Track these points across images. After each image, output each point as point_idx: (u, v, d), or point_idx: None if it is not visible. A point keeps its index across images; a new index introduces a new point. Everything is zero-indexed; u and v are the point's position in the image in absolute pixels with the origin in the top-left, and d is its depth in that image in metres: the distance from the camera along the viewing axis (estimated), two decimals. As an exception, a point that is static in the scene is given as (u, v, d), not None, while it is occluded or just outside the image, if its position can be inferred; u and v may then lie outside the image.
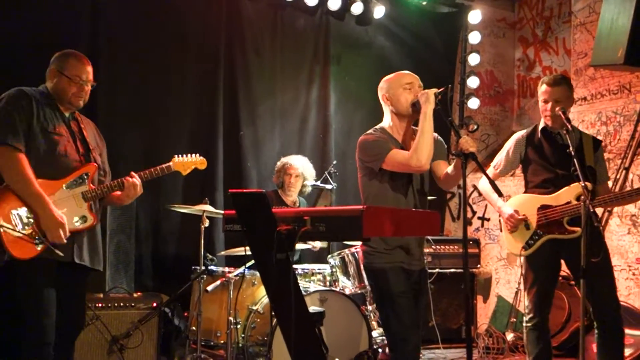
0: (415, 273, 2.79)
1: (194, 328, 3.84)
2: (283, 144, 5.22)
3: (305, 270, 4.08)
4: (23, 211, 2.65)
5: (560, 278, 3.63)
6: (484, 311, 5.57)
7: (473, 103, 5.78)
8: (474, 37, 5.74)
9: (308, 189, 4.74)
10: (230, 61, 5.01)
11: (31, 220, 2.65)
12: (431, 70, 5.70)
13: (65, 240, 2.69)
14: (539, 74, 5.88)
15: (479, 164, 2.57)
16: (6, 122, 2.67)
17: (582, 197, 3.02)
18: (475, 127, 5.84)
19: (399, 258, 2.74)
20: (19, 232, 2.59)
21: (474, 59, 5.76)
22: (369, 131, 2.90)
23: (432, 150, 2.69)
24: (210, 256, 3.99)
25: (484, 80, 5.97)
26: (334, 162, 5.10)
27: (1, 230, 2.57)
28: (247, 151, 5.06)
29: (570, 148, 3.07)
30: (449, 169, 2.79)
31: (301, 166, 4.62)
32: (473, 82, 5.77)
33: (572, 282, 4.52)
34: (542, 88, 3.41)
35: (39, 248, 2.64)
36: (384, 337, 4.09)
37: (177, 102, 4.81)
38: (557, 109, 3.32)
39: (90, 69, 2.91)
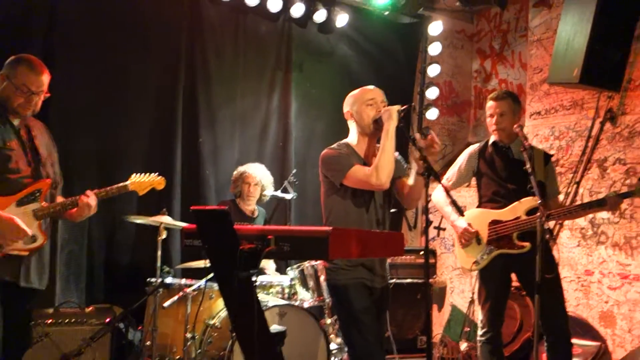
0: (378, 290, 2.79)
1: (148, 343, 3.73)
2: (242, 151, 5.14)
3: (264, 283, 4.03)
4: None
5: (512, 288, 3.71)
6: (438, 320, 5.64)
7: (432, 114, 5.85)
8: (434, 48, 5.82)
9: (266, 198, 4.69)
10: (190, 64, 4.91)
11: None
12: (392, 79, 5.73)
13: (28, 233, 2.59)
14: (495, 87, 6.01)
15: (434, 173, 2.57)
16: None
17: (539, 213, 3.10)
18: (433, 137, 5.93)
19: (361, 275, 2.74)
20: None
21: (433, 70, 5.83)
22: (332, 145, 2.89)
23: (392, 168, 2.69)
24: (167, 268, 3.88)
25: (442, 90, 6.05)
26: (294, 171, 5.06)
27: None
28: (205, 158, 4.96)
29: (527, 165, 3.15)
30: (410, 180, 2.80)
31: (259, 174, 4.56)
32: (432, 92, 5.84)
33: (524, 293, 4.63)
34: (488, 103, 3.53)
35: None
36: (341, 348, 4.09)
37: (136, 105, 4.68)
38: (515, 125, 3.41)
39: (44, 78, 2.75)
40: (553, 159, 3.71)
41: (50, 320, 3.51)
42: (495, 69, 6.03)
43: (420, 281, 5.15)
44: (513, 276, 3.58)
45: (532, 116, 4.99)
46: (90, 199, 2.82)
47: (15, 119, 2.74)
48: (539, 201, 3.08)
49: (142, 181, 3.14)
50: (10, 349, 2.70)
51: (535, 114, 4.97)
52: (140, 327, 4.08)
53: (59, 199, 2.88)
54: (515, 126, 3.39)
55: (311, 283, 4.03)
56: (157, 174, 3.24)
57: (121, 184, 3.03)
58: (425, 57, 5.93)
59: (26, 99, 2.69)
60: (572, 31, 3.61)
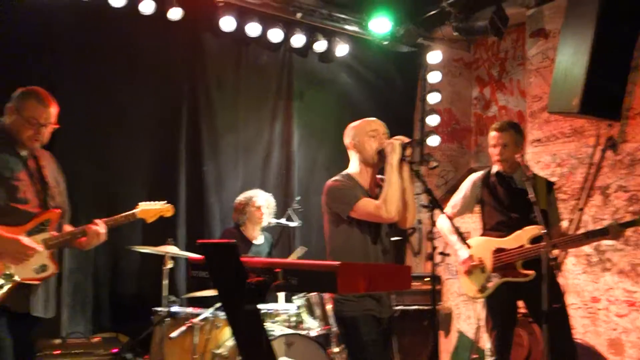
0: (385, 320, 2.81)
1: (154, 373, 3.73)
2: (246, 179, 5.19)
3: (270, 311, 4.03)
4: None
5: (519, 315, 3.72)
6: (445, 346, 5.62)
7: (433, 140, 5.91)
8: (434, 77, 5.90)
9: (271, 224, 4.72)
10: (193, 96, 4.98)
11: None
12: (392, 107, 5.81)
13: (37, 250, 2.62)
14: (495, 113, 6.08)
15: (438, 204, 2.59)
16: None
17: (544, 242, 3.12)
18: (435, 164, 5.99)
19: (369, 306, 2.75)
20: None
21: (433, 98, 5.91)
22: (335, 177, 2.93)
23: (400, 200, 2.73)
24: (173, 298, 3.89)
25: (442, 117, 6.12)
26: (298, 198, 5.11)
27: None
28: (209, 186, 5.00)
29: (531, 195, 3.19)
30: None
31: (266, 199, 4.60)
32: (433, 120, 5.91)
33: (531, 320, 4.63)
34: (491, 133, 3.58)
35: None
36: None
37: (138, 136, 4.73)
38: (517, 155, 3.46)
39: (52, 110, 2.81)
40: (556, 185, 3.75)
41: (58, 351, 3.52)
42: (495, 96, 6.11)
43: (426, 308, 5.15)
44: (520, 303, 3.59)
45: (533, 143, 5.05)
46: (100, 227, 2.86)
47: (23, 150, 2.78)
48: (544, 231, 3.11)
49: (150, 209, 3.17)
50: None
51: (536, 141, 5.03)
52: (146, 357, 4.07)
53: (67, 227, 2.91)
54: (517, 156, 3.44)
55: (318, 311, 4.04)
56: (165, 202, 3.27)
57: (129, 212, 3.07)
58: (425, 85, 6.02)
59: (35, 131, 2.74)
60: (570, 62, 3.69)
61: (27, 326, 2.76)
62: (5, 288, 2.57)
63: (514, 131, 3.55)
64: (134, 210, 3.10)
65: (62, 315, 4.03)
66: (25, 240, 2.62)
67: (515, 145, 3.53)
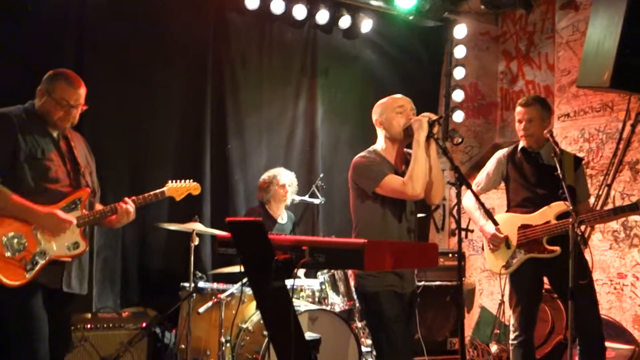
0: (407, 296, 2.82)
1: (183, 346, 3.81)
2: (270, 157, 5.21)
3: (294, 287, 4.08)
4: (14, 237, 2.61)
5: (543, 291, 3.70)
6: (467, 322, 5.63)
7: (458, 116, 5.84)
8: (459, 51, 5.81)
9: (295, 201, 4.75)
10: (217, 74, 4.99)
11: (23, 247, 2.61)
12: (417, 83, 5.75)
13: (73, 223, 2.70)
14: (521, 88, 5.98)
15: (465, 181, 2.57)
16: None
17: (571, 219, 3.09)
18: (460, 140, 5.88)
19: (391, 281, 2.76)
20: (7, 258, 2.56)
21: (459, 73, 5.83)
22: (362, 153, 2.92)
23: (426, 177, 2.72)
24: (200, 274, 3.96)
25: (467, 92, 6.04)
26: (321, 175, 5.12)
27: None
28: (234, 164, 5.04)
29: (559, 171, 3.15)
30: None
31: (290, 177, 4.62)
32: (458, 95, 5.83)
33: (555, 295, 4.60)
34: (517, 109, 3.53)
35: (29, 275, 2.61)
36: (372, 351, 4.13)
37: (164, 115, 4.77)
38: (545, 131, 3.40)
39: (82, 91, 2.85)
40: (583, 161, 3.69)
41: (89, 325, 3.62)
42: (522, 70, 5.99)
43: (449, 283, 5.16)
44: (544, 279, 3.57)
45: (560, 118, 4.96)
46: (129, 205, 2.91)
47: (55, 130, 2.84)
48: (571, 207, 3.08)
49: (178, 187, 3.22)
50: (52, 352, 2.78)
51: (563, 116, 4.94)
52: (174, 331, 4.17)
53: (98, 206, 2.97)
54: (545, 132, 3.38)
55: (342, 287, 4.08)
56: (192, 180, 3.31)
57: (158, 190, 3.11)
58: (451, 59, 5.93)
59: (65, 112, 2.79)
60: (602, 35, 3.59)
61: (62, 302, 2.83)
62: (39, 265, 2.64)
63: (540, 106, 3.49)
64: (162, 189, 3.14)
65: (92, 290, 4.13)
66: (61, 213, 2.68)
67: (542, 121, 3.47)
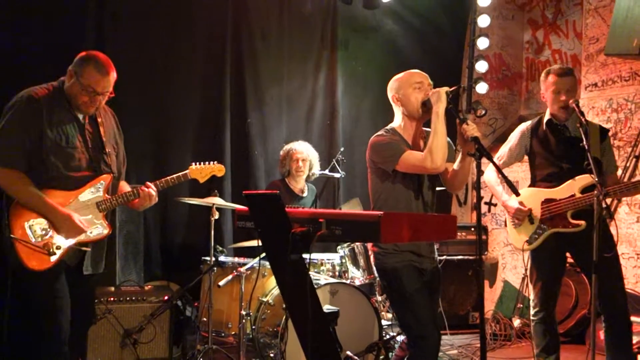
0: (428, 272, 2.79)
1: (204, 319, 3.86)
2: (290, 131, 5.18)
3: (315, 261, 4.09)
4: (37, 223, 2.64)
5: (567, 265, 3.64)
6: (490, 296, 5.60)
7: (481, 88, 5.70)
8: (483, 21, 5.64)
9: (315, 175, 4.72)
10: (236, 47, 4.95)
11: (46, 232, 2.65)
12: (440, 54, 5.64)
13: (85, 230, 2.70)
14: (547, 57, 5.81)
15: (486, 152, 2.52)
16: (9, 143, 2.61)
17: (596, 191, 3.00)
18: (484, 112, 5.71)
19: (409, 257, 2.74)
20: (32, 244, 2.59)
21: (482, 43, 5.66)
22: (379, 132, 2.86)
23: (446, 150, 2.66)
24: (220, 248, 3.99)
25: (492, 63, 5.90)
26: (342, 149, 5.07)
27: (15, 243, 2.57)
28: (254, 139, 5.03)
29: (584, 142, 3.05)
30: (455, 164, 2.77)
31: (306, 149, 4.56)
32: (481, 66, 5.68)
33: (579, 270, 4.54)
34: (552, 79, 3.37)
35: (53, 259, 2.64)
36: (392, 325, 4.13)
37: (184, 90, 4.77)
38: (570, 101, 3.29)
39: (110, 78, 2.76)
40: (611, 132, 3.58)
41: (112, 298, 3.68)
42: (548, 39, 5.82)
43: (471, 257, 5.11)
44: (567, 254, 3.50)
45: (587, 88, 4.82)
46: (152, 189, 2.91)
47: (81, 113, 2.80)
48: (596, 179, 2.99)
49: (202, 168, 3.21)
50: (76, 325, 2.83)
51: (591, 86, 4.80)
52: (196, 304, 4.22)
53: (123, 187, 2.97)
54: (571, 101, 3.28)
55: (362, 261, 4.07)
56: (215, 162, 3.29)
57: (181, 173, 3.09)
58: (474, 29, 5.76)
59: (91, 98, 2.73)
60: (632, 0, 3.44)
61: (84, 278, 2.86)
62: (62, 250, 2.67)
63: (574, 76, 3.38)
64: (185, 171, 3.13)
65: (115, 265, 4.19)
66: (76, 217, 2.68)
67: (575, 92, 3.37)
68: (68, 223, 2.67)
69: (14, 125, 2.63)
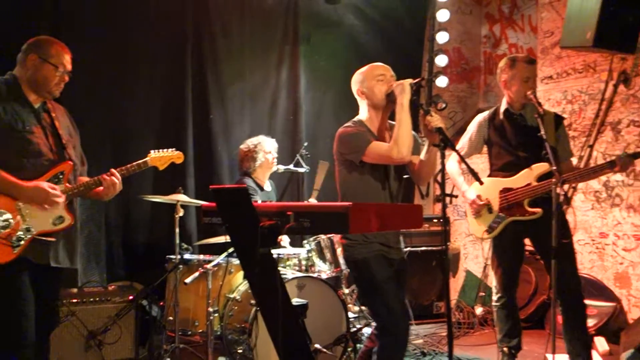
0: (396, 262, 2.84)
1: (171, 318, 3.81)
2: (253, 127, 5.15)
3: (281, 255, 4.08)
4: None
5: (527, 253, 3.74)
6: (453, 286, 5.70)
7: (441, 81, 5.80)
8: (442, 15, 5.74)
9: (280, 170, 4.70)
10: (197, 44, 4.89)
11: (8, 223, 2.56)
12: (400, 48, 5.69)
13: (61, 200, 2.64)
14: (505, 51, 5.95)
15: (450, 142, 2.57)
16: None
17: (554, 179, 3.09)
18: (444, 105, 5.83)
19: (378, 247, 2.77)
20: None
21: (442, 37, 5.76)
22: (346, 124, 2.89)
23: (412, 140, 2.71)
24: (185, 245, 3.94)
25: (451, 57, 6.00)
26: (306, 144, 5.08)
27: None
28: (217, 135, 4.98)
29: (542, 132, 3.14)
30: (422, 154, 2.81)
31: (273, 143, 4.54)
32: (441, 60, 5.77)
33: (538, 257, 4.67)
34: (520, 66, 3.41)
35: (16, 251, 2.57)
36: (358, 317, 4.17)
37: (145, 87, 4.69)
38: (529, 92, 3.37)
39: (70, 57, 2.78)
40: (566, 122, 3.69)
41: (75, 300, 3.59)
42: (505, 34, 5.96)
43: (434, 248, 5.20)
44: (526, 241, 3.61)
45: (543, 80, 4.95)
46: (115, 176, 2.85)
47: (37, 102, 2.73)
48: (554, 167, 3.08)
49: (161, 156, 3.17)
50: (40, 325, 2.75)
51: (547, 78, 4.93)
52: (161, 303, 4.16)
53: (83, 179, 2.90)
54: (529, 92, 3.36)
55: (328, 255, 4.09)
56: (174, 149, 3.27)
57: (141, 161, 3.06)
58: (434, 24, 5.86)
59: (60, 78, 2.71)
60: (585, -7, 3.55)
61: (50, 278, 2.78)
62: (23, 241, 2.59)
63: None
64: (145, 159, 3.09)
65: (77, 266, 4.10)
66: (44, 184, 2.61)
67: (535, 80, 3.46)
68: (42, 193, 2.59)
69: None
